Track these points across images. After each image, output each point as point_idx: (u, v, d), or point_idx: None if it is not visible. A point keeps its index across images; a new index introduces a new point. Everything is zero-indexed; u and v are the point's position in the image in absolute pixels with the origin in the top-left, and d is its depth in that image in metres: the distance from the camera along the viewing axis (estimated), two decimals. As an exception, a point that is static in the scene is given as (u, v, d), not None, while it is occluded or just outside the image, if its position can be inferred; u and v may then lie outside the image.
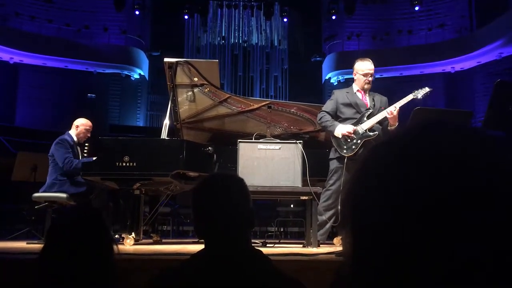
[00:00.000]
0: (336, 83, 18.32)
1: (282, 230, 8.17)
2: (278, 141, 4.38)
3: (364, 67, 4.33)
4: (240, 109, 5.04)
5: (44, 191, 4.75)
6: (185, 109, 5.06)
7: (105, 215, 1.52)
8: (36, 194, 4.77)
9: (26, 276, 1.58)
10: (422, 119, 0.52)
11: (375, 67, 4.47)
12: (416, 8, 17.94)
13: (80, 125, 5.06)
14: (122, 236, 4.37)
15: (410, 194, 0.45)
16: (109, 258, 1.45)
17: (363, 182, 0.51)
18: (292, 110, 4.99)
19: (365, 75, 4.30)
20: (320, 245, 4.15)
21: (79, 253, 1.38)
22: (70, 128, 5.10)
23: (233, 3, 19.35)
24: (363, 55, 4.74)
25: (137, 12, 18.16)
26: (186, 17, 19.04)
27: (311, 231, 4.09)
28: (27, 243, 4.48)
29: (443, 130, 0.49)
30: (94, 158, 4.53)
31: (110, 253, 1.46)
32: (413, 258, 0.44)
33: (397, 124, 4.12)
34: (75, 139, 5.00)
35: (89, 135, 5.12)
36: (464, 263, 0.42)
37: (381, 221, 0.46)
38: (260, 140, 4.35)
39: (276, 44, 19.70)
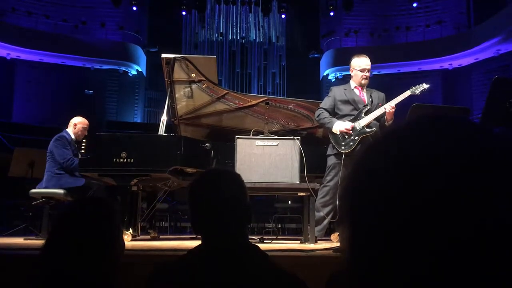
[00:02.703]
0: (334, 79, 18.33)
1: (279, 226, 8.18)
2: (276, 137, 4.37)
3: (361, 62, 4.33)
4: (238, 105, 5.03)
5: (43, 187, 4.75)
6: (182, 105, 5.06)
7: (117, 208, 1.50)
8: (33, 190, 4.76)
9: (23, 271, 1.58)
10: (419, 115, 0.52)
11: (373, 63, 4.47)
12: (414, 5, 17.95)
13: (78, 123, 5.08)
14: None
15: (405, 189, 0.45)
16: (115, 252, 1.45)
17: (360, 177, 0.51)
18: (290, 106, 4.99)
19: (362, 70, 4.30)
20: (318, 241, 4.15)
21: (86, 246, 1.37)
22: (67, 125, 5.11)
23: (231, -1, 19.33)
24: (361, 52, 4.74)
25: (134, 8, 18.11)
26: (183, 13, 18.99)
27: (309, 227, 4.10)
28: (24, 239, 4.48)
29: (437, 125, 0.49)
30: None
31: (117, 247, 1.46)
32: (408, 253, 0.44)
33: (392, 119, 4.14)
34: (73, 137, 5.02)
35: (86, 133, 5.13)
36: (461, 260, 0.42)
37: (377, 216, 0.46)
38: (258, 137, 4.35)
39: (274, 41, 19.69)
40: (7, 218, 7.42)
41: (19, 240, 4.38)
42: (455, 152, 0.45)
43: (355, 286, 0.49)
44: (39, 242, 3.91)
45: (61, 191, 4.64)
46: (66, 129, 5.06)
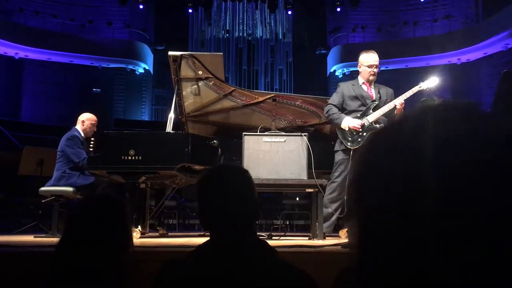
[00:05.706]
0: (341, 75, 18.26)
1: (287, 223, 8.17)
2: (283, 133, 4.37)
3: (369, 58, 4.32)
4: (245, 102, 5.03)
5: (51, 185, 4.77)
6: (190, 102, 5.06)
7: (127, 205, 1.54)
8: (42, 188, 4.79)
9: (34, 269, 1.60)
10: (423, 106, 0.51)
11: (380, 59, 4.45)
12: (422, -1, 17.83)
13: (86, 120, 5.07)
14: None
15: (409, 179, 0.44)
16: (126, 248, 1.46)
17: (365, 170, 0.50)
18: (297, 102, 4.98)
19: (370, 66, 4.29)
20: (326, 238, 4.15)
21: (98, 243, 1.39)
22: (75, 123, 5.11)
23: (237, -4, 19.31)
24: (368, 47, 4.72)
25: (141, 6, 18.15)
26: (190, 10, 19.01)
27: (317, 223, 4.10)
28: (34, 237, 4.51)
29: (438, 114, 0.48)
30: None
31: (127, 243, 1.47)
32: (418, 247, 0.43)
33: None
34: (82, 134, 5.01)
35: (95, 129, 5.13)
36: (470, 253, 0.42)
37: (384, 209, 0.46)
38: (265, 133, 4.34)
39: (280, 37, 19.65)
40: (17, 216, 7.48)
41: (29, 238, 4.41)
42: (453, 140, 0.44)
43: (365, 283, 0.49)
44: (49, 239, 3.94)
45: (70, 189, 4.66)
46: (75, 127, 5.06)
